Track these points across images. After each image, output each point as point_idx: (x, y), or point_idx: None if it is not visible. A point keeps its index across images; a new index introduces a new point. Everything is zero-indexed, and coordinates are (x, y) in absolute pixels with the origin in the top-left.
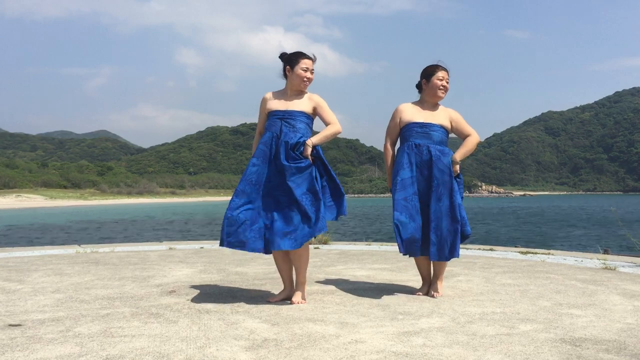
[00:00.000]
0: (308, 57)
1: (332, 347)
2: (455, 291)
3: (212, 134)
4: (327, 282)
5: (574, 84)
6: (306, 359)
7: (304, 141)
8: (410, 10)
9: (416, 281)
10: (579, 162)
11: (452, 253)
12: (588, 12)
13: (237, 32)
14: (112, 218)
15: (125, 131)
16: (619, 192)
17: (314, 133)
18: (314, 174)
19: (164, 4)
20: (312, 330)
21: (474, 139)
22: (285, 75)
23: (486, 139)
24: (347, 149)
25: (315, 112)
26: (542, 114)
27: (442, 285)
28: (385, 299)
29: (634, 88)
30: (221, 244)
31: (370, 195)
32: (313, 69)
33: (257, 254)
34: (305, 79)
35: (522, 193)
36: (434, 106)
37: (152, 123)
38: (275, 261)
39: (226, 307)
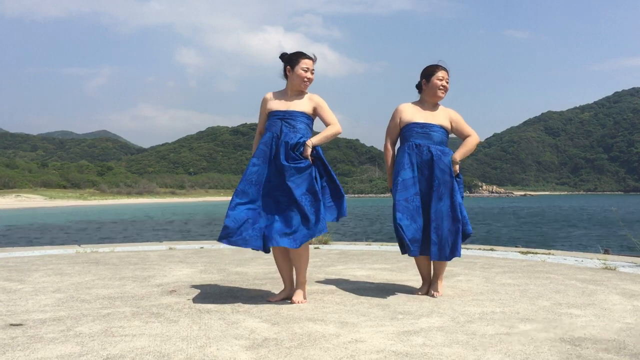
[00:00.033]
0: (308, 57)
1: (332, 347)
2: (455, 291)
3: (212, 134)
4: (327, 282)
5: (574, 84)
6: (306, 358)
7: (304, 141)
8: (410, 10)
9: (416, 281)
10: (579, 162)
11: (454, 252)
12: (588, 12)
13: (237, 32)
14: (112, 218)
15: (126, 131)
16: (619, 192)
17: (315, 133)
18: (313, 175)
19: (164, 4)
20: (312, 330)
21: (474, 139)
22: (286, 76)
23: (486, 139)
24: (347, 149)
25: (316, 113)
26: (542, 114)
27: (442, 285)
28: (385, 298)
29: (633, 88)
30: (220, 240)
31: (370, 195)
32: (313, 69)
33: (257, 253)
34: (305, 79)
35: (522, 193)
36: (434, 106)
37: (152, 123)
38: (275, 260)
39: (226, 307)
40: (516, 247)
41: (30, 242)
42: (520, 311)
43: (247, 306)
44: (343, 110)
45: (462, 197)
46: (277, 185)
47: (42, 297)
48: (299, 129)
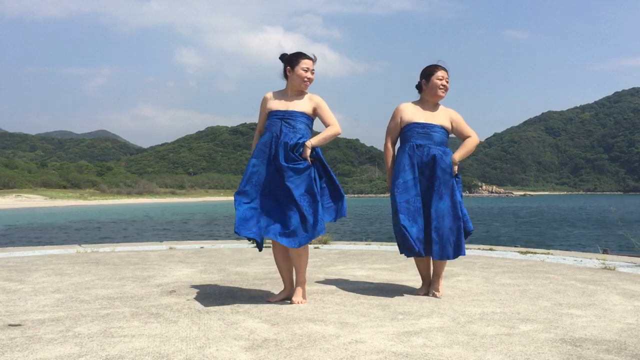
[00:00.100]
0: (308, 58)
1: (332, 347)
2: (455, 291)
3: (211, 134)
4: (327, 282)
5: (574, 84)
6: (306, 359)
7: (304, 142)
8: (410, 10)
9: (416, 281)
10: (579, 162)
11: (458, 251)
12: (588, 12)
13: (237, 32)
14: (112, 218)
15: (125, 131)
16: (619, 192)
17: (315, 133)
18: (312, 175)
19: (163, 4)
20: (312, 330)
21: (474, 140)
22: (286, 76)
23: (486, 138)
24: (347, 149)
25: (315, 113)
26: (542, 113)
27: (442, 285)
28: (385, 299)
29: (633, 88)
30: (237, 231)
31: (370, 195)
32: (313, 69)
33: (257, 253)
34: (305, 79)
35: (522, 193)
36: (434, 106)
37: (152, 123)
38: (275, 260)
39: (226, 307)
40: (515, 247)
41: (30, 242)
42: (520, 311)
43: (246, 306)
44: (343, 110)
45: (462, 195)
46: (278, 185)
47: (41, 297)
48: (299, 129)
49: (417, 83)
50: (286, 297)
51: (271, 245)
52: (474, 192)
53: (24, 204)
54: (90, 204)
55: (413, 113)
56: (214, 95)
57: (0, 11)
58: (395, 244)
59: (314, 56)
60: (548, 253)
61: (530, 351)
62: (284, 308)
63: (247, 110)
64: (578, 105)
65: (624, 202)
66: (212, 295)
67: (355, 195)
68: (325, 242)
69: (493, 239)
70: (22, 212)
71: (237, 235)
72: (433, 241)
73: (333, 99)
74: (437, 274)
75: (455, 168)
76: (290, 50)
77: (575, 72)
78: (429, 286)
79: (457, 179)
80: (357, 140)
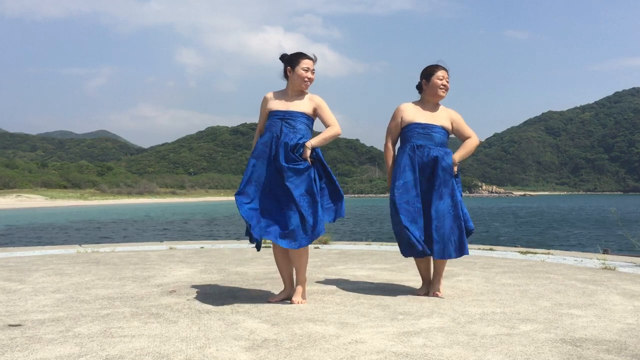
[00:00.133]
0: (309, 58)
1: (332, 348)
2: (456, 291)
3: (212, 134)
4: (327, 282)
5: (574, 84)
6: (306, 359)
7: (304, 143)
8: (410, 10)
9: (416, 281)
10: (579, 162)
11: (462, 251)
12: (588, 12)
13: (237, 32)
14: (112, 218)
15: (125, 131)
16: (619, 192)
17: (315, 134)
18: (312, 176)
19: (163, 4)
20: (312, 331)
21: (474, 141)
22: (286, 76)
23: (487, 138)
24: (347, 149)
25: (316, 113)
26: (543, 114)
27: (443, 285)
28: (385, 299)
29: (633, 88)
30: (250, 237)
31: (370, 195)
32: (314, 69)
33: (257, 253)
34: (306, 79)
35: (522, 193)
36: (435, 106)
37: (152, 123)
38: (275, 260)
39: (226, 307)
40: (515, 247)
41: (31, 241)
42: (520, 312)
43: (246, 306)
44: (343, 110)
45: (461, 195)
46: (278, 185)
47: (41, 297)
48: (299, 129)
49: (417, 83)
50: (286, 297)
51: (271, 245)
52: (474, 192)
53: (25, 204)
54: (91, 204)
55: (414, 113)
56: (214, 95)
57: (0, 11)
58: (396, 244)
59: (314, 56)
60: (548, 253)
61: (530, 351)
62: (284, 308)
63: (247, 110)
64: (578, 106)
65: (624, 202)
66: (212, 295)
67: (356, 195)
68: (325, 242)
69: (493, 239)
70: (23, 212)
71: (256, 241)
72: (434, 240)
73: (333, 99)
74: (438, 273)
75: (455, 169)
76: (290, 50)
77: (575, 72)
78: (429, 286)
79: (456, 179)
80: (357, 140)
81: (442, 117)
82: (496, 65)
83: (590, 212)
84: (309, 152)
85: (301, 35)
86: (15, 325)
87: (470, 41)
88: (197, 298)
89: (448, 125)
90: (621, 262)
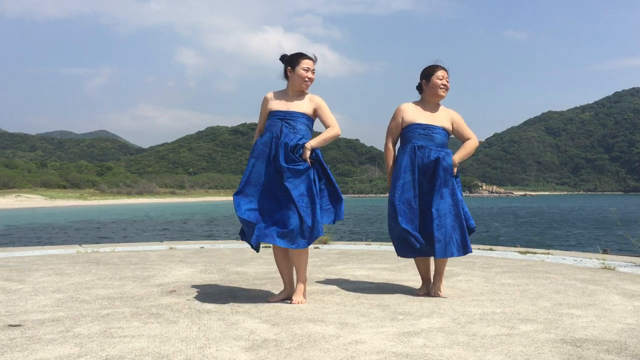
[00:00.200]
0: (309, 58)
1: (332, 348)
2: (455, 291)
3: (211, 134)
4: (327, 282)
5: (574, 84)
6: (306, 359)
7: (303, 144)
8: (410, 10)
9: (416, 281)
10: (579, 162)
11: (465, 249)
12: (588, 12)
13: (237, 32)
14: (112, 218)
15: (125, 131)
16: (619, 192)
17: (315, 134)
18: (311, 177)
19: (163, 4)
20: (312, 331)
21: (474, 142)
22: (287, 77)
23: (487, 138)
24: (347, 149)
25: (316, 114)
26: (543, 114)
27: (443, 285)
28: (385, 299)
29: (633, 88)
30: (251, 243)
31: (370, 195)
32: (314, 69)
33: (257, 253)
34: (306, 79)
35: (522, 193)
36: (435, 106)
37: (152, 123)
38: (275, 260)
39: (226, 307)
40: (515, 247)
41: (30, 242)
42: (520, 312)
43: (246, 306)
44: (343, 110)
45: (462, 195)
46: (277, 185)
47: (41, 297)
48: (299, 129)
49: (417, 84)
50: (286, 297)
51: (271, 244)
52: (474, 192)
53: (24, 204)
54: (90, 204)
55: (414, 114)
56: (214, 95)
57: (0, 11)
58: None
59: (315, 56)
60: (548, 253)
61: (530, 351)
62: (284, 308)
63: (247, 110)
64: (578, 106)
65: (624, 202)
66: (212, 295)
67: (355, 195)
68: (325, 242)
69: (493, 239)
70: (22, 212)
71: (252, 246)
72: (435, 239)
73: (333, 99)
74: (439, 273)
75: (455, 169)
76: (290, 50)
77: (575, 72)
78: (429, 286)
79: (456, 179)
80: (357, 140)
81: (442, 117)
82: (496, 65)
83: (590, 212)
84: (308, 153)
85: (301, 36)
86: (15, 326)
87: (470, 41)
88: (197, 298)
89: (448, 125)
90: (621, 262)
